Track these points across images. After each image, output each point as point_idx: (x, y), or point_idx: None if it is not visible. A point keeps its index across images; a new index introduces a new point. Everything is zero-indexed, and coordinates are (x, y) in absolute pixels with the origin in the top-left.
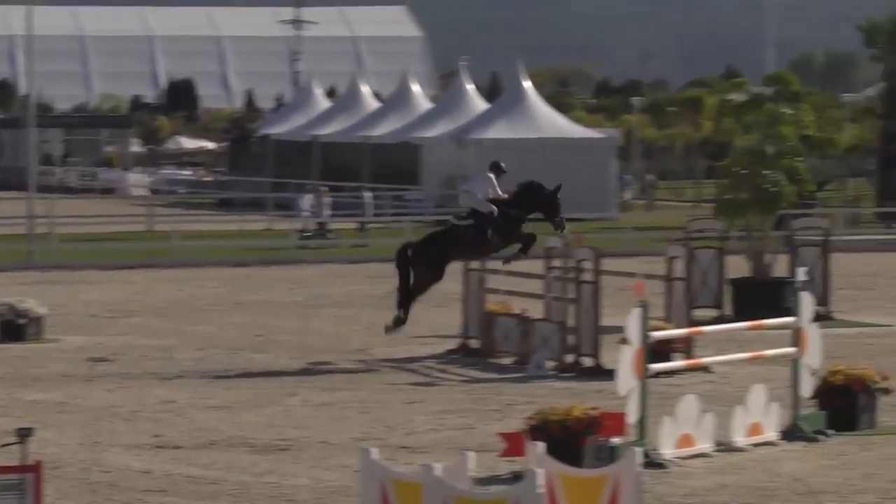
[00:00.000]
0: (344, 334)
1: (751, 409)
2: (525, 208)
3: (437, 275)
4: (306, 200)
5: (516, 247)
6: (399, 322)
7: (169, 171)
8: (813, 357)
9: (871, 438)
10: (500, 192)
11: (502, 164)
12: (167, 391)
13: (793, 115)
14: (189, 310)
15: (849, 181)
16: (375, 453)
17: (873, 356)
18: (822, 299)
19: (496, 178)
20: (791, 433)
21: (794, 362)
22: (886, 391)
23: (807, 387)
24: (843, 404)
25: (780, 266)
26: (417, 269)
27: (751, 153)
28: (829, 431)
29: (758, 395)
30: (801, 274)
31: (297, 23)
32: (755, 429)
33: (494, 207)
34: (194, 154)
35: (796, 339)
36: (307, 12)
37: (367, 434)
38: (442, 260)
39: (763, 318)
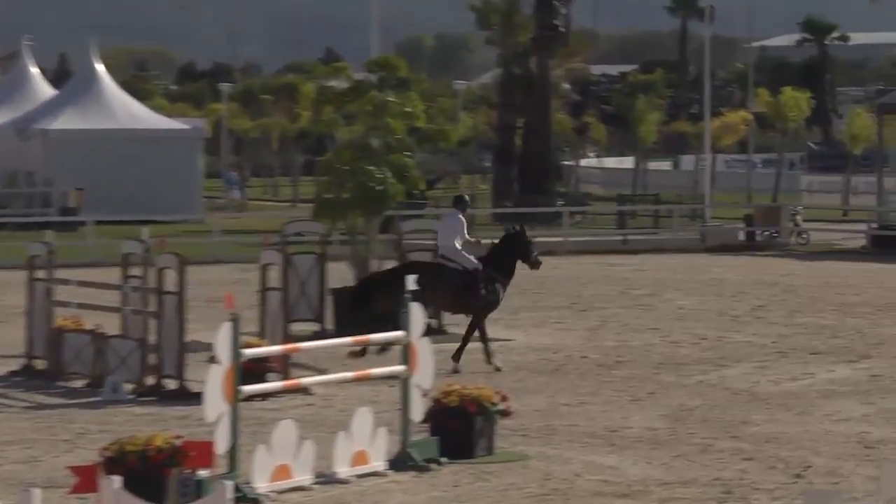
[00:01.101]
0: None
1: (355, 435)
2: (503, 267)
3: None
4: None
5: None
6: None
7: None
8: (424, 376)
9: (488, 466)
10: (467, 235)
11: (466, 198)
12: None
13: (400, 104)
14: None
15: (462, 178)
16: None
17: (491, 374)
18: (435, 311)
19: (462, 215)
20: (400, 462)
21: (403, 382)
22: (505, 413)
23: (417, 409)
24: (457, 429)
25: None
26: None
27: (354, 147)
28: (443, 459)
29: (363, 419)
30: (411, 283)
31: None
32: (360, 457)
33: (479, 264)
34: None
35: (406, 355)
36: None
37: None
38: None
39: (369, 333)
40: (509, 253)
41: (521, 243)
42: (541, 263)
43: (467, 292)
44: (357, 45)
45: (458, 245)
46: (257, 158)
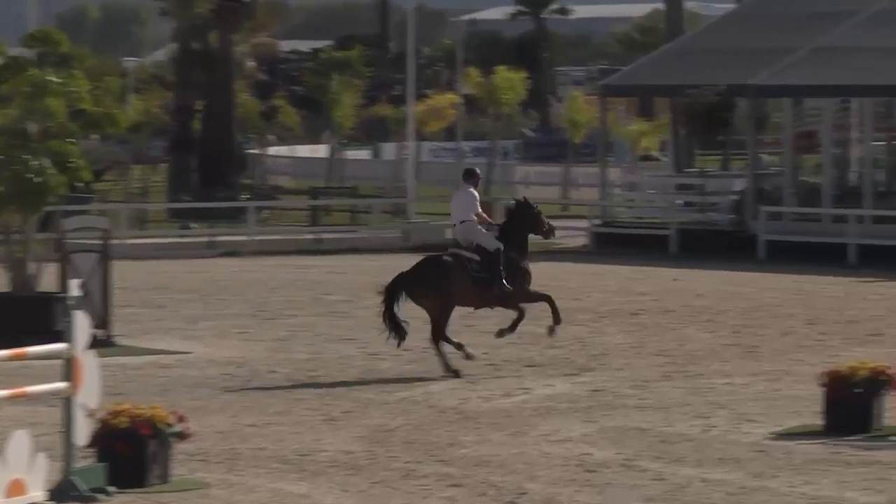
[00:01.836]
0: None
1: (10, 462)
2: (518, 245)
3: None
4: None
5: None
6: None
7: None
8: (90, 394)
9: (163, 496)
10: (479, 209)
11: (477, 170)
12: None
13: (62, 84)
14: None
15: (134, 168)
16: None
17: (167, 391)
18: (102, 320)
19: (475, 188)
20: (62, 492)
21: (65, 401)
22: (183, 436)
23: (82, 432)
24: (127, 453)
25: (47, 278)
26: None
27: (8, 133)
28: (111, 488)
29: (19, 443)
30: (75, 288)
31: None
32: (16, 487)
33: (500, 244)
34: None
35: (68, 371)
36: None
37: None
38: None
39: (25, 345)
40: (521, 228)
41: (531, 215)
42: (555, 231)
43: (489, 283)
44: (12, 16)
45: (474, 219)
46: None
